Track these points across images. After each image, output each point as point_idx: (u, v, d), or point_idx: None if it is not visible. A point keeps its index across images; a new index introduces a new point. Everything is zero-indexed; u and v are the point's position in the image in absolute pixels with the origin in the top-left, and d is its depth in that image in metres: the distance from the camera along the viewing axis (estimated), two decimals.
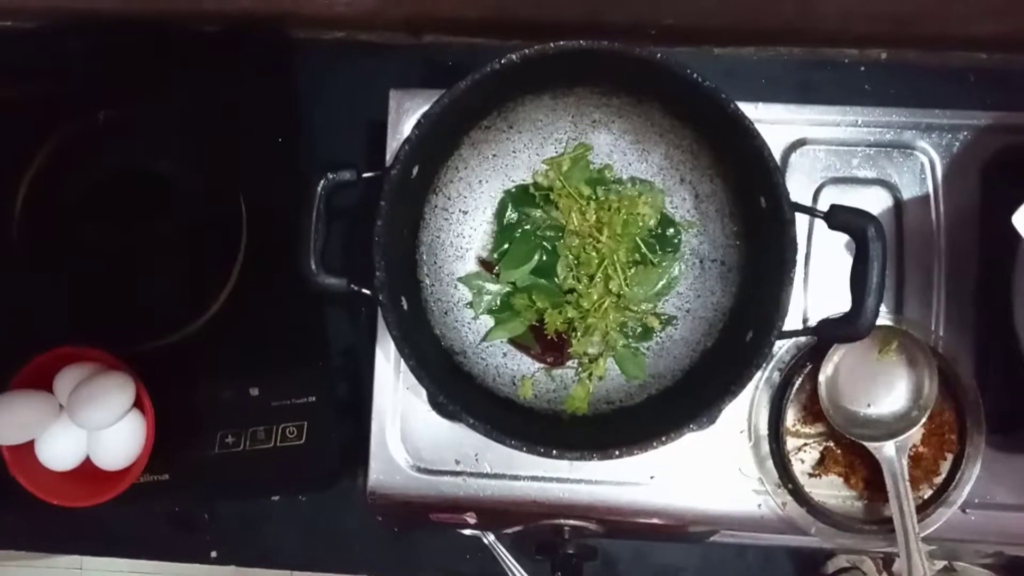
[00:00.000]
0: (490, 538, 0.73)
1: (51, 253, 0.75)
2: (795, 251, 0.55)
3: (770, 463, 0.64)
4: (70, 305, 0.74)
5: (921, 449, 0.64)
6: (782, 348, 0.66)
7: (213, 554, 0.75)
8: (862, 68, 0.76)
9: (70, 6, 0.76)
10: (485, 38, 0.77)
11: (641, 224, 0.63)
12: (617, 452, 0.54)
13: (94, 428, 0.65)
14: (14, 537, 0.76)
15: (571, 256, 0.64)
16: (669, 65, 0.55)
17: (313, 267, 0.56)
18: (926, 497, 0.63)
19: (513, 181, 0.66)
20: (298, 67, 0.78)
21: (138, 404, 0.67)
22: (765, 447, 0.65)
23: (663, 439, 0.55)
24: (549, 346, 0.65)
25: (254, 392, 0.72)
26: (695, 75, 0.55)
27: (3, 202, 0.75)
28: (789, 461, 0.64)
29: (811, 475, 0.65)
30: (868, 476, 0.64)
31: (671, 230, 0.65)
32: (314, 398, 0.72)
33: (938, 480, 0.64)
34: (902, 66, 0.75)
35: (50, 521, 0.73)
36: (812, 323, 0.63)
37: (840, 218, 0.54)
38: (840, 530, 0.63)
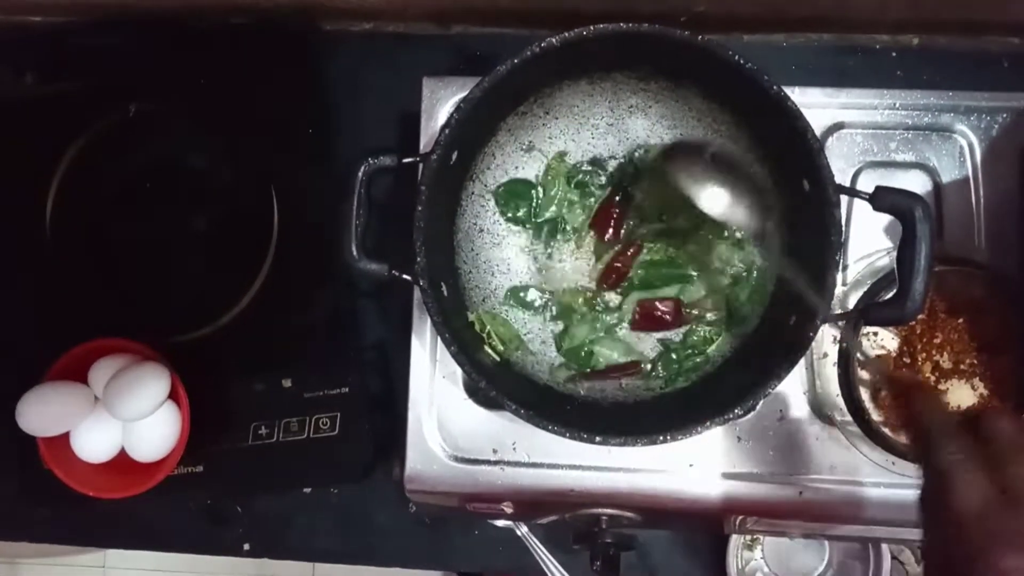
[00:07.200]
0: (523, 530, 0.72)
1: (84, 247, 0.76)
2: (840, 234, 0.54)
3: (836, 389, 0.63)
4: (103, 299, 0.74)
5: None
6: None
7: (246, 547, 0.74)
8: (894, 54, 0.75)
9: (99, 1, 0.77)
10: (513, 28, 0.77)
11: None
12: (661, 438, 0.54)
13: (130, 419, 0.65)
14: (48, 530, 0.76)
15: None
16: (711, 47, 0.55)
17: (355, 252, 0.56)
18: None
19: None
20: (327, 59, 0.78)
21: (173, 396, 0.67)
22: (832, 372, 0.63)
23: (707, 424, 0.54)
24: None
25: (287, 384, 0.72)
26: (737, 57, 0.54)
27: (37, 197, 0.76)
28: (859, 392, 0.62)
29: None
30: None
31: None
32: (347, 389, 0.72)
33: None
34: (934, 52, 0.75)
35: (84, 514, 0.73)
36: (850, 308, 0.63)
37: (886, 200, 0.54)
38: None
